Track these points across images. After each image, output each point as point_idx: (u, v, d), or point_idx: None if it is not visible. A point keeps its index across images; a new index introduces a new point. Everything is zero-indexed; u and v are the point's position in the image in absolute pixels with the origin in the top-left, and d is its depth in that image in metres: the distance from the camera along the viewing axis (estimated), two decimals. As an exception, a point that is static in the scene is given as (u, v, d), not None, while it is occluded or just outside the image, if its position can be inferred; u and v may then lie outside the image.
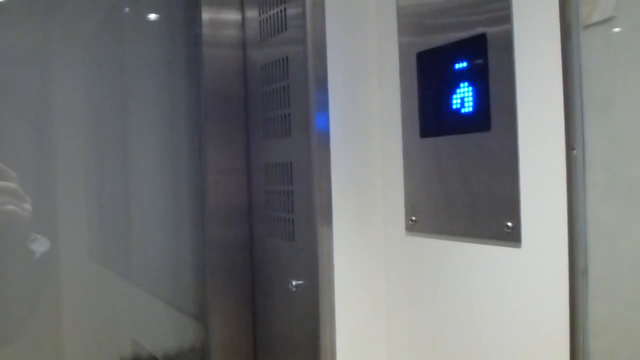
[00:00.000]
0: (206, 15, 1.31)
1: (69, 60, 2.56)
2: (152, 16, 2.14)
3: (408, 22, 1.08)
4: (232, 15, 1.34)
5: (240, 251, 1.29)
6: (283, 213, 1.14)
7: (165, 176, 1.84)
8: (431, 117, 1.04)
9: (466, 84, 0.97)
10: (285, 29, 1.14)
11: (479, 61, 0.94)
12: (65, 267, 2.27)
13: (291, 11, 1.12)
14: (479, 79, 0.94)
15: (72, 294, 2.27)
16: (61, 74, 2.58)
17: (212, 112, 1.28)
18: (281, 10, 1.15)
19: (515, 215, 0.87)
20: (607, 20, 0.78)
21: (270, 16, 1.19)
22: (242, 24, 1.32)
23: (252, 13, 1.29)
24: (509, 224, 0.87)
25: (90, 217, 2.40)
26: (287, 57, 1.13)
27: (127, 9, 2.60)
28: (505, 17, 0.88)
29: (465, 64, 0.97)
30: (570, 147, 0.79)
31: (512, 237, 0.87)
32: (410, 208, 1.09)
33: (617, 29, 0.77)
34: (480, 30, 0.92)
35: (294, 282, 1.08)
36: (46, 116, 2.49)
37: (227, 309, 1.30)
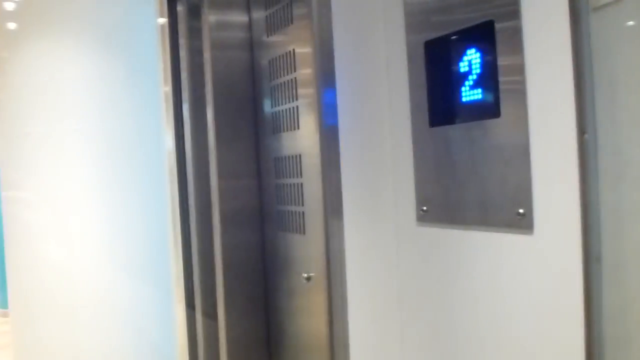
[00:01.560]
0: (212, 17, 1.31)
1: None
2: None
3: (415, 11, 1.07)
4: (238, 17, 1.34)
5: (252, 247, 1.29)
6: (293, 206, 1.14)
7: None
8: (440, 105, 1.03)
9: (474, 71, 0.95)
10: (292, 22, 1.13)
11: (487, 48, 0.92)
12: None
13: (297, 5, 1.11)
14: (487, 65, 0.92)
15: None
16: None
17: (222, 112, 1.28)
18: (287, 4, 1.14)
19: (527, 202, 0.85)
20: (617, 2, 0.76)
21: (276, 11, 1.19)
22: (249, 24, 1.32)
23: (258, 13, 1.28)
24: (521, 210, 0.86)
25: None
26: (293, 50, 1.12)
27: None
28: (513, 2, 0.86)
29: (473, 51, 0.96)
30: (581, 131, 0.78)
31: (524, 224, 0.86)
32: (421, 198, 1.08)
33: (628, 10, 0.76)
34: (487, 15, 0.91)
35: (305, 275, 1.08)
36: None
37: (239, 304, 1.30)
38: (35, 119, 2.57)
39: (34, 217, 2.54)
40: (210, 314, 1.47)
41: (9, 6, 2.61)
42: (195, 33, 1.48)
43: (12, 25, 2.63)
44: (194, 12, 1.48)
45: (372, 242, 1.10)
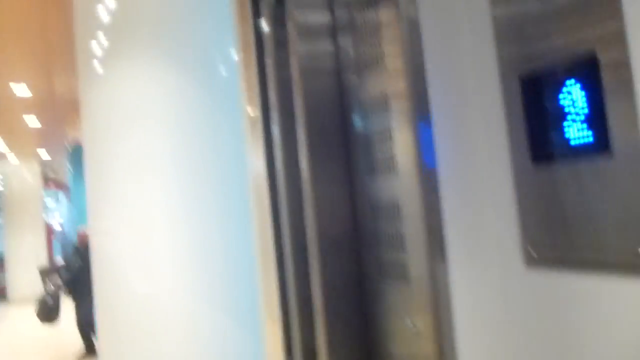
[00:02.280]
0: (302, 47, 1.33)
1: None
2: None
3: (508, 43, 1.04)
4: (325, 46, 1.35)
5: (349, 289, 1.28)
6: (394, 253, 1.12)
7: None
8: (542, 143, 0.99)
9: (579, 106, 0.91)
10: (381, 61, 1.14)
11: (591, 81, 0.88)
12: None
13: (386, 47, 1.12)
14: (594, 101, 0.88)
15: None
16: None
17: (315, 149, 1.29)
18: (376, 44, 1.15)
19: (648, 244, 0.80)
20: None
21: (364, 50, 1.19)
22: (336, 53, 1.33)
23: (345, 42, 1.29)
24: (641, 252, 0.81)
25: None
26: (386, 94, 1.12)
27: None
28: (619, 35, 0.82)
29: (576, 86, 0.91)
30: None
31: (647, 268, 0.80)
32: (527, 240, 1.03)
33: None
34: (588, 44, 0.87)
35: (410, 323, 1.06)
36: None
37: (339, 349, 1.29)
38: (121, 128, 2.67)
39: (118, 246, 2.65)
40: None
41: (102, 25, 2.74)
42: (281, 48, 1.50)
43: (104, 44, 2.75)
44: (280, 39, 1.50)
45: (478, 288, 1.06)
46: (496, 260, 1.08)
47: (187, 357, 2.54)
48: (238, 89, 1.90)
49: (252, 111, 1.70)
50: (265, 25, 1.56)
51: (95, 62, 2.74)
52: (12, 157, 12.22)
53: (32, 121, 8.10)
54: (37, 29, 4.55)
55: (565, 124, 0.94)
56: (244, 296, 2.52)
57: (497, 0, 1.04)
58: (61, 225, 20.30)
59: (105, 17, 2.73)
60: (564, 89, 0.93)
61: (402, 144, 1.11)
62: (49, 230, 15.42)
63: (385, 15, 1.15)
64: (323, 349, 1.29)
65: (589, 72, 0.87)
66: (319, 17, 1.41)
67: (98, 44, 2.72)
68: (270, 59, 1.55)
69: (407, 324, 1.06)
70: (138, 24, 2.68)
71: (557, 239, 0.97)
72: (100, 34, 2.73)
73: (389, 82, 1.13)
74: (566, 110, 0.93)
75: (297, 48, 1.38)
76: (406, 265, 1.11)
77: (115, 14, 2.70)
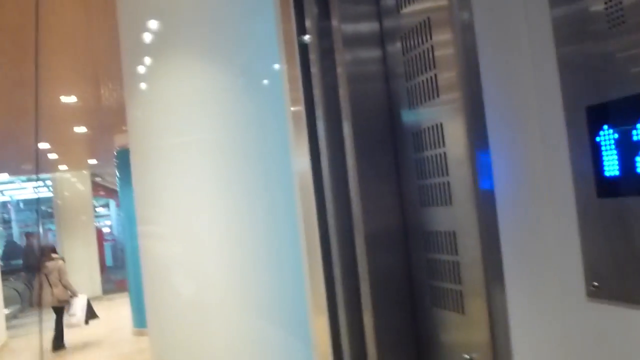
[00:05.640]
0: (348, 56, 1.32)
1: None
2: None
3: (572, 72, 1.01)
4: (372, 54, 1.33)
5: (403, 319, 1.27)
6: (449, 284, 1.10)
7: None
8: (610, 176, 0.96)
9: (652, 140, 0.87)
10: (438, 96, 1.11)
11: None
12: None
13: (444, 78, 1.09)
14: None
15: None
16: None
17: (365, 176, 1.28)
18: (431, 77, 1.12)
19: None
20: None
21: (418, 83, 1.17)
22: (388, 92, 1.31)
23: (398, 83, 1.27)
24: None
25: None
26: (441, 124, 1.10)
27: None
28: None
29: (649, 120, 0.87)
30: None
31: None
32: (591, 273, 1.00)
33: None
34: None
35: (467, 356, 1.04)
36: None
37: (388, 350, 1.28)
38: (166, 132, 2.70)
39: (167, 250, 2.70)
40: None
41: (149, 20, 2.77)
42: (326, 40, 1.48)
43: (148, 38, 2.79)
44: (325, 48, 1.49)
45: (537, 321, 1.03)
46: (556, 292, 1.05)
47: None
48: (282, 94, 1.90)
49: (295, 108, 1.69)
50: (309, 38, 1.56)
51: (140, 72, 2.78)
52: (63, 167, 12.69)
53: (81, 131, 8.38)
54: (84, 42, 4.70)
55: (637, 157, 0.90)
56: (292, 298, 2.53)
57: (560, 23, 1.00)
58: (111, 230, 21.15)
59: (151, 28, 2.76)
60: (637, 123, 0.89)
61: (455, 168, 1.09)
62: (100, 236, 15.98)
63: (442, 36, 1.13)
64: (372, 348, 1.28)
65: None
66: (366, 27, 1.39)
67: (143, 55, 2.76)
68: (315, 68, 1.54)
69: (461, 357, 1.04)
70: (182, 34, 2.71)
71: (623, 273, 0.93)
72: (145, 47, 2.76)
73: (443, 113, 1.10)
74: (636, 143, 0.89)
75: (344, 57, 1.37)
76: (461, 297, 1.09)
77: (160, 26, 2.73)
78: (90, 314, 8.03)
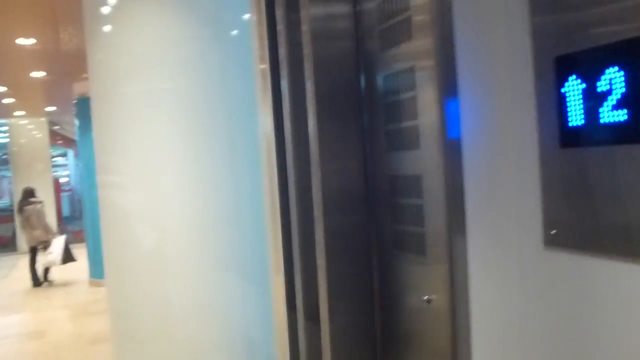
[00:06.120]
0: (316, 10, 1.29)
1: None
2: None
3: (542, 23, 1.01)
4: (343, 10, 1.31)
5: (361, 261, 1.28)
6: (412, 227, 1.12)
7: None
8: (574, 126, 0.97)
9: (617, 90, 0.89)
10: (410, 38, 1.11)
11: (635, 69, 0.86)
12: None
13: (417, 17, 1.08)
14: (634, 86, 0.86)
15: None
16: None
17: (326, 120, 1.27)
18: (405, 19, 1.11)
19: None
20: None
21: (390, 26, 1.16)
22: (355, 32, 1.30)
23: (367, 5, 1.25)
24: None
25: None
26: (413, 67, 1.09)
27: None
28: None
29: (615, 69, 0.89)
30: None
31: (678, 261, 0.79)
32: (550, 220, 1.03)
33: None
34: (633, 32, 0.84)
35: (425, 297, 1.06)
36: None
37: (348, 318, 1.31)
38: (129, 79, 2.62)
39: (126, 200, 2.65)
40: (312, 316, 1.48)
41: None
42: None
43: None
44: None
45: (496, 265, 1.06)
46: (515, 238, 1.08)
47: (195, 312, 2.57)
48: (251, 48, 1.87)
49: (262, 66, 1.67)
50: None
51: (102, 15, 2.67)
52: (20, 113, 12.23)
53: (39, 75, 8.05)
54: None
55: (601, 108, 0.91)
56: (252, 251, 2.53)
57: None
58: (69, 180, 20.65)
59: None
60: (603, 74, 0.90)
61: (425, 113, 1.09)
62: (58, 186, 15.63)
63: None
64: (324, 305, 1.30)
65: (632, 58, 0.85)
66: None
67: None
68: (281, 25, 1.52)
69: (420, 297, 1.06)
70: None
71: (582, 222, 0.96)
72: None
73: (413, 46, 1.10)
74: (602, 93, 0.91)
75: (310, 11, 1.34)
76: (423, 237, 1.11)
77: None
78: (68, 257, 8.33)
